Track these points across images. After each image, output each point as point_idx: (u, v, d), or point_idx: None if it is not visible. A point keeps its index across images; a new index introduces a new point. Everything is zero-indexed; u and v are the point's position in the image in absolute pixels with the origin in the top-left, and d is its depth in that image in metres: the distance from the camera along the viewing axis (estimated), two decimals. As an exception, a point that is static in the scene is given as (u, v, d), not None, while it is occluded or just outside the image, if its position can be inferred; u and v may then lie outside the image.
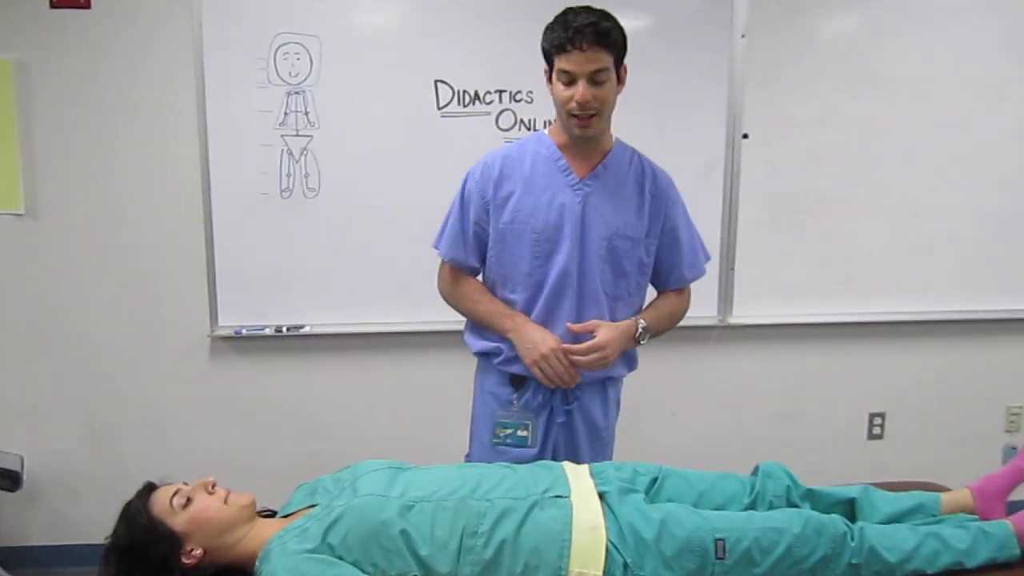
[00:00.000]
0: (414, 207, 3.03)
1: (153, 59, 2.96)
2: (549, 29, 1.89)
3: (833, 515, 1.66)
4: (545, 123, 3.02)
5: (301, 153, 2.99)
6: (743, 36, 3.07)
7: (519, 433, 2.06)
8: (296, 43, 2.93)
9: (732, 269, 3.22)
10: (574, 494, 1.62)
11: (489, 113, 3.03)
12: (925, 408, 3.49)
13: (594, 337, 1.95)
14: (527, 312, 2.04)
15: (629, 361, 2.17)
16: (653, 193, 2.05)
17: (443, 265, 2.16)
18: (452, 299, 2.19)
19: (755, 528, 1.60)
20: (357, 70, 2.98)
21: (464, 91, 3.01)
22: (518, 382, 2.06)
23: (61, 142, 2.97)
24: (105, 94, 2.96)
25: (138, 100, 2.98)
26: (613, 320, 2.04)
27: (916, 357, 3.45)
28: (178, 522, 1.56)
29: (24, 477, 2.98)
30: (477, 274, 2.16)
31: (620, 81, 1.95)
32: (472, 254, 2.10)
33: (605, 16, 1.88)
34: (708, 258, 2.21)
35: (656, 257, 2.10)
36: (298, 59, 2.94)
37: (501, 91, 3.02)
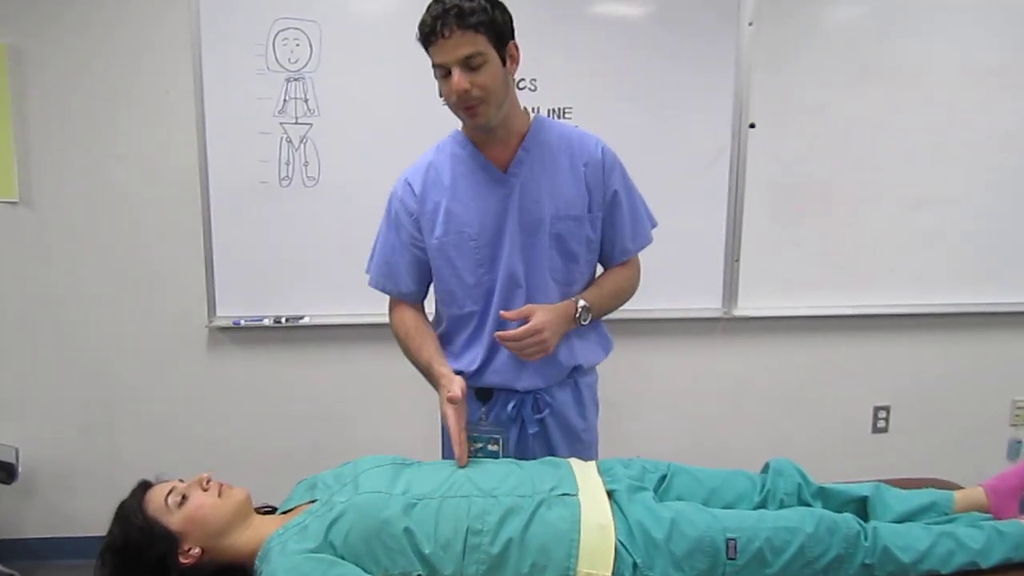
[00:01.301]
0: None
1: (150, 45, 2.92)
2: (419, 23, 1.74)
3: (846, 514, 1.63)
4: (549, 111, 2.98)
5: (300, 141, 2.95)
6: (750, 24, 3.03)
7: (490, 447, 1.96)
8: (295, 29, 2.89)
9: (737, 260, 3.18)
10: (582, 492, 1.59)
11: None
12: (930, 401, 3.47)
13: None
14: (480, 326, 1.94)
15: (601, 343, 2.05)
16: (587, 163, 1.91)
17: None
18: (397, 337, 2.06)
19: (767, 527, 1.57)
20: (358, 56, 2.93)
21: (466, 78, 2.96)
22: (485, 396, 1.97)
23: (57, 129, 2.93)
24: (101, 80, 2.92)
25: (135, 86, 2.94)
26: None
27: (922, 350, 3.43)
28: (174, 521, 1.53)
29: (20, 469, 2.97)
30: (422, 298, 2.04)
31: (512, 60, 1.79)
32: (405, 279, 1.99)
33: None
34: (654, 224, 2.05)
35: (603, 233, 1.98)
36: (297, 45, 2.90)
37: (504, 78, 2.97)
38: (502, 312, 1.84)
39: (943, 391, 3.47)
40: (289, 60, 2.91)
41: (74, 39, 2.89)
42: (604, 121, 2.78)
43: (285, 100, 2.93)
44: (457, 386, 1.80)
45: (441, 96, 1.79)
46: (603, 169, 1.92)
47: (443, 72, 1.73)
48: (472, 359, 1.95)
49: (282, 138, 2.95)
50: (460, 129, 1.95)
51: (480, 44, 1.70)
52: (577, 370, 2.00)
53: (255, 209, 2.98)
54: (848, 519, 1.60)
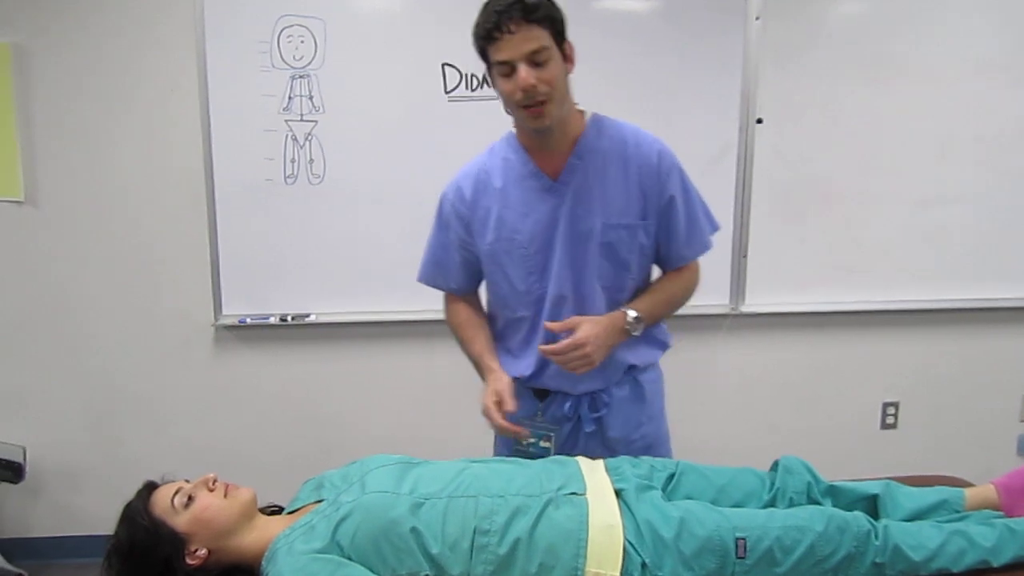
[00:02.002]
0: (421, 193, 2.97)
1: (154, 43, 2.92)
2: (476, 24, 1.69)
3: (856, 512, 1.61)
4: (555, 108, 2.97)
5: (306, 138, 2.94)
6: (757, 19, 3.01)
7: (541, 444, 1.95)
8: (300, 26, 2.88)
9: (744, 257, 3.17)
10: (589, 491, 1.58)
11: (497, 97, 2.96)
12: (939, 397, 3.46)
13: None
14: (532, 331, 1.93)
15: (652, 343, 1.99)
16: (641, 167, 1.83)
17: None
18: (450, 328, 2.08)
19: (776, 526, 1.56)
20: (363, 53, 2.92)
21: (472, 75, 2.95)
22: (542, 394, 1.96)
23: (61, 128, 2.93)
24: (106, 78, 2.92)
25: (139, 85, 2.93)
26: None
27: (930, 346, 3.41)
28: (180, 522, 1.51)
29: (27, 468, 2.97)
30: (474, 290, 2.04)
31: (567, 59, 1.74)
32: (456, 276, 1.99)
33: None
34: (715, 227, 1.97)
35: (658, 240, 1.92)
36: (302, 42, 2.89)
37: (510, 75, 2.96)
38: (547, 324, 1.81)
39: (952, 387, 3.46)
40: (294, 57, 2.90)
41: (78, 38, 2.88)
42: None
43: (290, 97, 2.93)
44: (504, 384, 1.82)
45: (501, 97, 1.75)
46: (658, 174, 1.84)
47: (506, 70, 1.68)
48: (528, 363, 1.93)
49: (287, 135, 2.94)
50: (513, 132, 1.92)
51: (545, 39, 1.65)
52: (634, 368, 1.97)
53: (260, 207, 2.97)
54: (859, 517, 1.59)
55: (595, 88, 2.96)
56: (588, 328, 1.77)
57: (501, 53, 1.66)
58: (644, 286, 1.95)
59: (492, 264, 1.91)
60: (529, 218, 1.85)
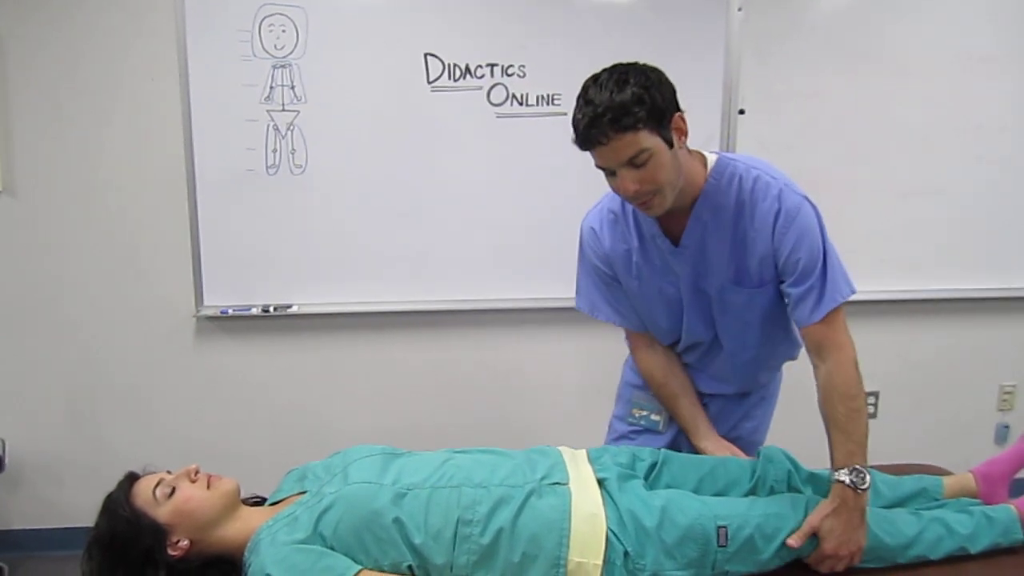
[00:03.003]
0: (404, 183, 2.99)
1: (134, 32, 2.88)
2: (572, 120, 1.58)
3: None
4: (538, 98, 2.97)
5: (287, 128, 2.92)
6: (740, 10, 3.01)
7: (652, 417, 2.00)
8: (281, 15, 2.86)
9: (727, 247, 3.17)
10: (572, 481, 1.58)
11: (480, 88, 2.97)
12: (918, 387, 3.49)
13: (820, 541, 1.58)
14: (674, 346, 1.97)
15: (793, 348, 1.93)
16: (759, 229, 1.70)
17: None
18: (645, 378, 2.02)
19: (757, 514, 1.57)
20: (345, 42, 2.90)
21: (455, 65, 2.94)
22: None
23: (40, 117, 2.90)
24: (85, 68, 2.88)
25: (119, 74, 2.90)
26: (757, 371, 1.95)
27: (909, 336, 3.44)
28: (162, 513, 1.51)
29: (6, 460, 2.95)
30: (643, 327, 1.97)
31: (679, 133, 1.62)
32: (608, 311, 1.94)
33: (621, 83, 1.54)
34: (846, 294, 1.68)
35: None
36: (283, 31, 2.87)
37: (493, 65, 2.95)
38: (789, 541, 1.56)
39: (932, 377, 3.49)
40: (275, 46, 2.88)
41: (57, 27, 2.84)
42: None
43: (271, 87, 2.90)
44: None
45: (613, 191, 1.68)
46: (773, 234, 1.69)
47: (607, 171, 1.60)
48: None
49: (269, 125, 2.92)
50: None
51: (643, 140, 1.53)
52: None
53: (242, 197, 2.95)
54: None
55: (578, 77, 2.98)
56: (827, 525, 1.56)
57: (598, 160, 1.59)
58: (785, 344, 1.92)
59: (635, 298, 1.90)
60: (664, 272, 1.83)
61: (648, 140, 1.54)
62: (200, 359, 3.10)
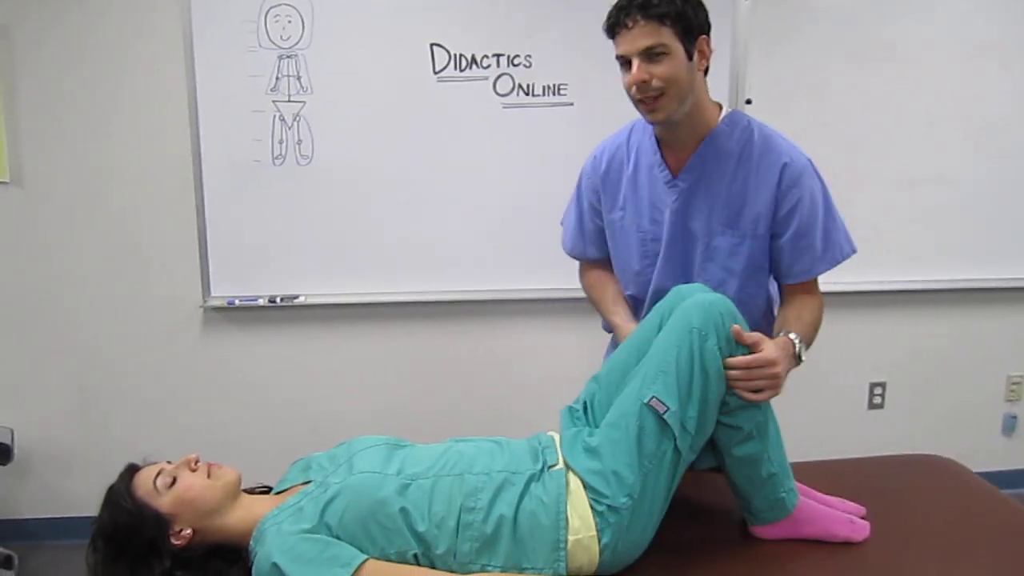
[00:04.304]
0: (410, 173, 2.99)
1: (141, 23, 2.89)
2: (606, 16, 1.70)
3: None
4: (544, 88, 2.96)
5: (294, 119, 2.92)
6: (747, 0, 2.99)
7: None
8: (287, 5, 2.86)
9: (733, 238, 3.17)
10: (561, 462, 1.60)
11: (487, 78, 2.96)
12: (926, 377, 3.48)
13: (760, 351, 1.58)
14: (636, 313, 1.97)
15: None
16: (762, 181, 1.76)
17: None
18: (585, 293, 2.13)
19: (659, 362, 1.55)
20: (350, 33, 2.90)
21: (461, 55, 2.94)
22: None
23: (47, 109, 2.90)
24: (92, 59, 2.89)
25: (126, 65, 2.91)
26: None
27: (917, 326, 3.43)
28: (164, 503, 1.51)
29: (15, 450, 2.96)
30: (607, 261, 2.04)
31: (702, 55, 1.69)
32: (592, 246, 2.05)
33: None
34: (846, 253, 1.86)
35: (770, 253, 1.83)
36: (289, 22, 2.87)
37: (499, 55, 2.95)
38: (734, 327, 1.56)
39: (939, 367, 3.48)
40: (281, 37, 2.88)
41: (64, 18, 2.85)
42: (599, 98, 2.75)
43: (277, 78, 2.90)
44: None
45: (625, 88, 1.72)
46: (777, 190, 1.76)
47: (625, 63, 1.68)
48: None
49: (275, 116, 2.92)
50: None
51: (664, 36, 1.63)
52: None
53: (248, 188, 2.95)
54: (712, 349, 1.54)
55: (585, 68, 2.98)
56: (773, 350, 1.59)
57: (619, 47, 1.68)
58: (759, 300, 1.90)
59: (613, 239, 1.96)
60: (650, 207, 1.86)
61: (669, 38, 1.64)
62: (207, 350, 3.11)
